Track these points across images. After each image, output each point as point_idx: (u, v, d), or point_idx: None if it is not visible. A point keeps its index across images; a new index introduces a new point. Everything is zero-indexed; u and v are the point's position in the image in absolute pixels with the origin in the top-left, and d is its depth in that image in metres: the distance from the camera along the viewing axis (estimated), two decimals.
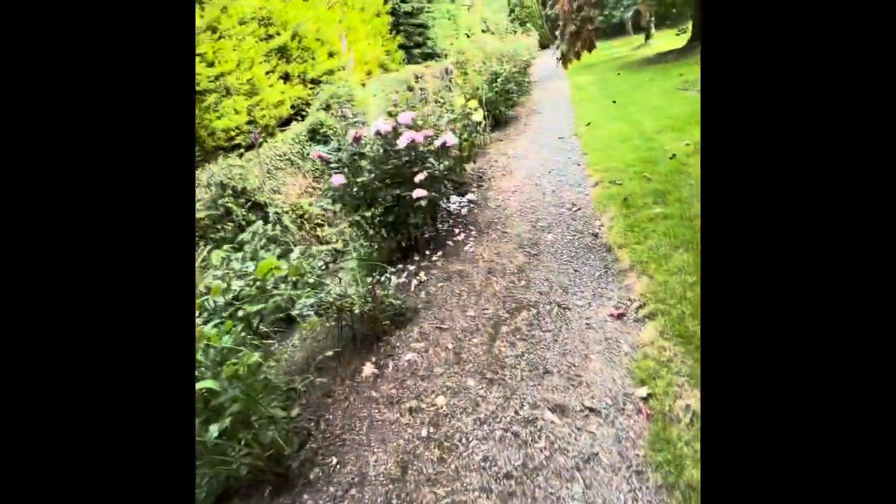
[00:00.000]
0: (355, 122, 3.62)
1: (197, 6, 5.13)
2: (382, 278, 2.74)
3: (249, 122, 5.54)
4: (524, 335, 2.18)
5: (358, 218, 2.84)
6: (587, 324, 2.17)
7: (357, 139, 2.91)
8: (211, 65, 5.21)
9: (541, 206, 3.69)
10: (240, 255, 2.46)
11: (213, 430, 1.29)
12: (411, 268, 3.07)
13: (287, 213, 4.46)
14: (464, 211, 3.92)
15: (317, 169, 4.98)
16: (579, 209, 3.47)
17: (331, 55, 7.23)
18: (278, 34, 6.35)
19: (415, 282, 2.89)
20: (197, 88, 5.05)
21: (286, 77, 6.46)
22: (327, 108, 5.88)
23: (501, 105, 6.91)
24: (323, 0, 7.57)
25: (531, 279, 2.66)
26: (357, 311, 2.15)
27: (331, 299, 2.06)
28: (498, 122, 6.93)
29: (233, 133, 5.30)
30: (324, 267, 2.36)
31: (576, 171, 4.31)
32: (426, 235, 3.39)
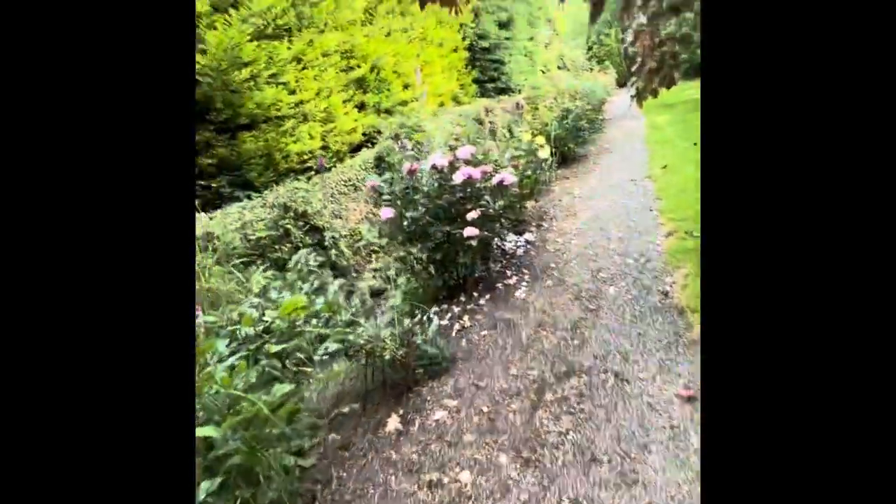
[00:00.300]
0: (416, 155, 3.58)
1: (285, 39, 5.52)
2: (424, 319, 2.58)
3: (323, 148, 5.78)
4: (571, 407, 1.90)
5: (404, 253, 2.72)
6: (649, 403, 1.85)
7: (411, 172, 2.83)
8: (293, 92, 5.54)
9: (604, 253, 3.37)
10: (278, 283, 2.43)
11: (205, 487, 1.17)
12: (456, 309, 2.88)
13: (344, 237, 4.50)
14: (519, 251, 3.69)
15: (377, 196, 5.02)
16: (648, 261, 3.11)
17: (406, 87, 7.47)
18: (358, 66, 6.66)
19: (457, 326, 2.69)
20: (277, 114, 5.36)
21: (361, 106, 6.73)
22: (396, 137, 6.01)
23: (571, 142, 6.66)
24: (403, 35, 7.90)
25: (586, 339, 2.36)
26: (388, 357, 2.00)
27: (361, 341, 1.92)
28: (566, 159, 6.67)
29: (306, 157, 5.54)
30: (361, 305, 2.25)
31: (647, 218, 3.94)
32: (476, 275, 3.20)
